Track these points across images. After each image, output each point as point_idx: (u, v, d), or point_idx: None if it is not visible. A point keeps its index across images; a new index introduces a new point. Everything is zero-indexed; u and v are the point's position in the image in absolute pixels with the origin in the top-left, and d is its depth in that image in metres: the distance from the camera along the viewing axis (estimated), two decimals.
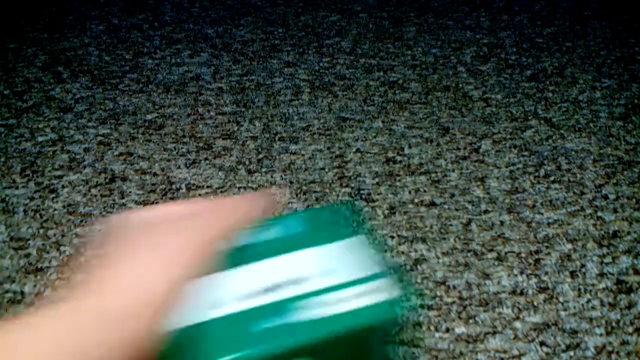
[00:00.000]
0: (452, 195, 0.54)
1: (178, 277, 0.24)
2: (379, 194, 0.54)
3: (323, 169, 0.58)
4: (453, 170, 0.58)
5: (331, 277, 0.30)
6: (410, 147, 0.61)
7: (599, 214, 0.52)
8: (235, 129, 0.65)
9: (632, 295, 0.44)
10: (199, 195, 0.55)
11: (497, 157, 0.60)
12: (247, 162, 0.59)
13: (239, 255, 0.30)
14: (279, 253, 0.31)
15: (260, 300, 0.28)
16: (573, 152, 0.61)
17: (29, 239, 0.50)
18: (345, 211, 0.34)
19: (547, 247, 0.49)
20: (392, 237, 0.49)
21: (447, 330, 0.41)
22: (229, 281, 0.29)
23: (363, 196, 0.54)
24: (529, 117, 0.67)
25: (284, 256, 0.31)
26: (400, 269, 0.32)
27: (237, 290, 0.28)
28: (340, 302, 0.28)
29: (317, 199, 0.54)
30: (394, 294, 0.28)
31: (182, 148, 0.62)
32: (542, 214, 0.52)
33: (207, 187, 0.56)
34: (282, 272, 0.31)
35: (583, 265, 0.47)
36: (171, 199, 0.54)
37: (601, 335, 0.41)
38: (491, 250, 0.48)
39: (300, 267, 0.31)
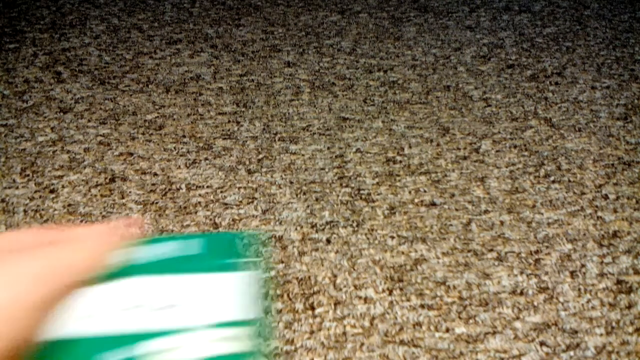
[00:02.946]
0: (452, 195, 0.54)
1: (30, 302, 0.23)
2: (379, 194, 0.54)
3: (323, 169, 0.58)
4: (453, 170, 0.58)
5: (197, 311, 0.29)
6: (410, 147, 0.61)
7: (599, 214, 0.52)
8: (235, 129, 0.65)
9: (632, 295, 0.44)
10: (199, 195, 0.55)
11: (497, 157, 0.60)
12: (247, 162, 0.59)
13: (112, 273, 0.29)
14: (155, 273, 0.30)
15: (124, 326, 0.28)
16: (573, 152, 0.61)
17: None
18: (243, 242, 0.33)
19: (547, 247, 0.49)
20: (392, 237, 0.49)
21: (447, 330, 0.41)
22: (95, 296, 0.29)
23: (363, 196, 0.54)
24: (529, 117, 0.67)
25: (157, 278, 0.30)
26: (266, 322, 0.30)
27: (102, 307, 0.28)
28: (194, 345, 0.27)
29: (317, 199, 0.54)
30: (248, 347, 0.27)
31: (182, 148, 0.62)
32: (542, 214, 0.52)
33: (207, 187, 0.56)
34: (147, 296, 0.30)
35: (583, 265, 0.47)
36: (171, 199, 0.54)
37: (601, 335, 0.41)
38: (491, 250, 0.48)
39: (167, 293, 0.30)
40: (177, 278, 0.31)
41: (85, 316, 0.28)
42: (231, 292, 0.30)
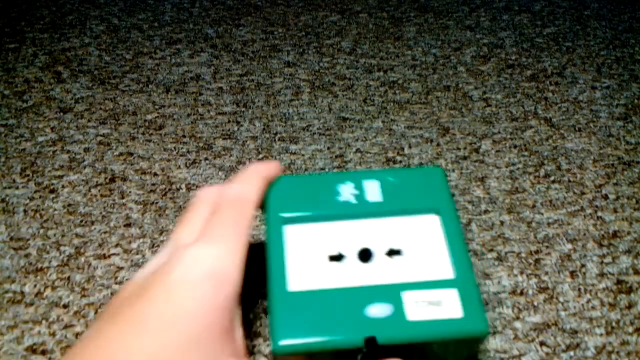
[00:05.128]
0: (452, 195, 0.54)
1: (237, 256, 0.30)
2: None
3: (323, 169, 0.58)
4: (453, 170, 0.58)
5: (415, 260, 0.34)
6: (410, 147, 0.61)
7: (599, 214, 0.52)
8: (235, 129, 0.65)
9: (632, 295, 0.44)
10: None
11: (497, 157, 0.60)
12: (247, 162, 0.59)
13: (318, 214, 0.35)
14: (365, 217, 0.36)
15: (359, 280, 0.32)
16: (573, 152, 0.61)
17: (29, 239, 0.50)
18: (430, 179, 0.37)
19: (547, 247, 0.49)
20: None
21: None
22: (318, 235, 0.35)
23: None
24: (529, 117, 0.67)
25: (365, 220, 0.35)
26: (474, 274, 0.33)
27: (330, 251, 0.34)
28: (432, 305, 0.31)
29: None
30: (477, 307, 0.31)
31: (182, 148, 0.62)
32: (542, 214, 0.52)
33: None
34: (369, 238, 0.35)
35: (583, 265, 0.47)
36: (171, 199, 0.54)
37: (601, 335, 0.41)
38: (491, 250, 0.48)
39: (381, 237, 0.35)
40: (384, 222, 0.35)
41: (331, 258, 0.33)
42: (429, 239, 0.34)
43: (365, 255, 0.33)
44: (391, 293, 0.30)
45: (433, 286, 0.30)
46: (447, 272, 0.32)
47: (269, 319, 0.30)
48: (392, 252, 0.33)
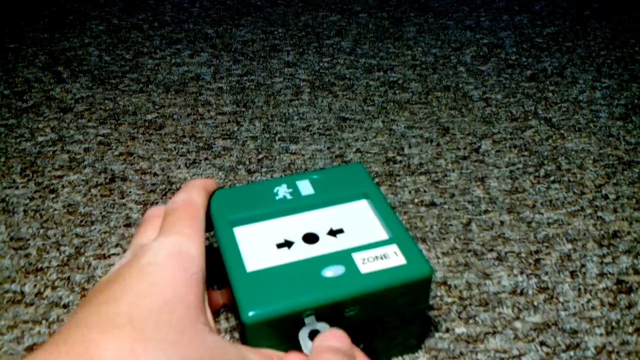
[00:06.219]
0: (452, 195, 0.54)
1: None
2: None
3: (323, 169, 0.58)
4: (453, 170, 0.58)
5: (353, 236, 0.37)
6: (410, 147, 0.61)
7: (599, 214, 0.52)
8: (235, 129, 0.65)
9: (632, 295, 0.44)
10: None
11: (497, 157, 0.60)
12: (247, 162, 0.59)
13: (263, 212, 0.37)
14: (302, 210, 0.38)
15: (310, 252, 0.35)
16: (573, 152, 0.61)
17: (29, 239, 0.50)
18: (354, 172, 0.41)
19: (547, 247, 0.49)
20: None
21: (447, 330, 0.41)
22: (270, 231, 0.37)
23: None
24: (529, 117, 0.67)
25: (306, 214, 0.38)
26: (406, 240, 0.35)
27: (281, 239, 0.36)
28: (379, 259, 0.34)
29: None
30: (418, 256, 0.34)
31: (182, 148, 0.62)
32: (542, 214, 0.52)
33: None
34: (314, 227, 0.37)
35: (583, 265, 0.47)
36: (171, 199, 0.54)
37: (601, 335, 0.41)
38: (491, 250, 0.48)
39: (320, 225, 0.37)
40: (321, 211, 0.40)
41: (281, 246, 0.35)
42: (364, 217, 0.37)
43: (310, 238, 0.36)
44: (341, 257, 0.33)
45: (376, 246, 0.34)
46: (385, 235, 0.35)
47: (235, 298, 0.31)
48: (335, 232, 0.36)
